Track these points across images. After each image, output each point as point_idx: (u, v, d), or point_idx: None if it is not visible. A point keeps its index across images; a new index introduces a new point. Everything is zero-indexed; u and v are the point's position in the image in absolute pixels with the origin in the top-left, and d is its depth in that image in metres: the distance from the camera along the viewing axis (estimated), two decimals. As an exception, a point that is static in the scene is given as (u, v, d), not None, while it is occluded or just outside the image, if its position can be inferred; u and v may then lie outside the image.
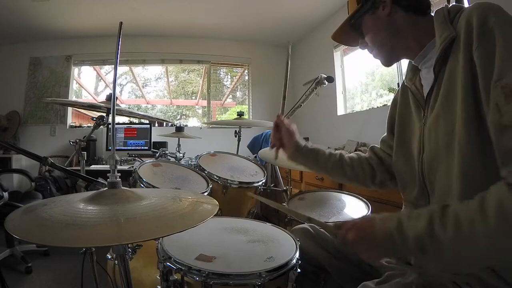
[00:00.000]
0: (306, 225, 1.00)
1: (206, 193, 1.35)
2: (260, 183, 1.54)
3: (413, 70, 0.77)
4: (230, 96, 5.14)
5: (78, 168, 1.66)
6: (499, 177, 0.50)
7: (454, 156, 0.59)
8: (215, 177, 1.45)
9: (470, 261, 0.52)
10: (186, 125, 4.10)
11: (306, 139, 3.90)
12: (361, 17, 0.76)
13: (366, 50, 0.80)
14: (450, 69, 0.61)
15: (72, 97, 3.94)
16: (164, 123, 3.92)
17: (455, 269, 0.56)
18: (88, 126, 3.96)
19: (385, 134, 0.89)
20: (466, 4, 1.58)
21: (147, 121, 3.57)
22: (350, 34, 0.81)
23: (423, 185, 0.70)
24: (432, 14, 0.69)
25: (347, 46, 3.22)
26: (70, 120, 3.90)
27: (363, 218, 0.63)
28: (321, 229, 0.86)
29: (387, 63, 0.77)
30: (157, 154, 2.20)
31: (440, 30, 0.63)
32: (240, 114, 2.08)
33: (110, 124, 0.86)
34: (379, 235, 0.57)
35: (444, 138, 0.62)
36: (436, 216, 0.52)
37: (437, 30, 0.64)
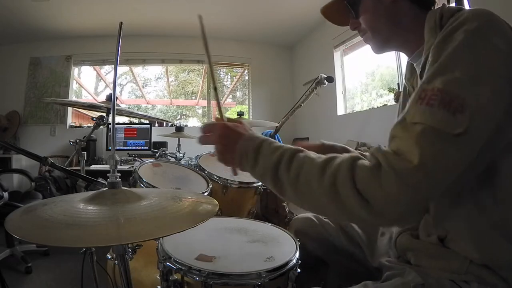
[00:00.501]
0: (308, 214, 0.99)
1: (206, 193, 1.34)
2: (260, 183, 1.54)
3: (411, 71, 0.75)
4: (230, 96, 5.15)
5: (78, 168, 1.65)
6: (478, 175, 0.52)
7: None
8: (215, 177, 1.45)
9: (304, 206, 0.56)
10: (186, 125, 4.09)
11: (306, 139, 3.88)
12: None
13: (355, 31, 0.75)
14: None
15: (72, 97, 3.94)
16: (164, 123, 3.92)
17: (296, 203, 0.59)
18: (88, 126, 3.96)
19: None
20: (466, 5, 1.58)
21: (147, 121, 3.57)
22: (342, 10, 0.75)
23: None
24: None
25: (347, 46, 3.23)
26: (70, 120, 3.90)
27: (236, 125, 0.65)
28: None
29: (378, 51, 0.74)
30: (157, 154, 2.20)
31: (428, 36, 0.60)
32: (240, 114, 2.08)
33: (110, 124, 0.86)
34: (238, 149, 0.61)
35: None
36: (285, 157, 0.56)
37: (425, 35, 0.61)
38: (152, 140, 3.44)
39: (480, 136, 0.46)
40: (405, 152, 0.46)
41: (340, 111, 3.29)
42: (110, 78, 5.48)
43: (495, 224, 0.54)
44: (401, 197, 0.45)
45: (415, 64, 0.71)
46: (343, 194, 0.48)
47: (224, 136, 0.63)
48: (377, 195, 0.46)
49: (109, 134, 3.37)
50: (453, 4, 1.44)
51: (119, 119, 3.48)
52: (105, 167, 3.13)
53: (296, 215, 1.28)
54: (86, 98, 5.23)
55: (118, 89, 6.52)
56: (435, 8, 0.65)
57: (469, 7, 1.59)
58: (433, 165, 0.44)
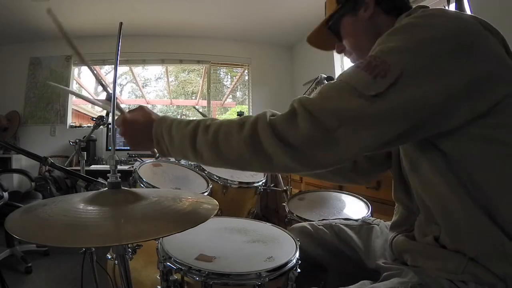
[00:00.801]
0: (305, 224, 1.00)
1: (206, 193, 1.35)
2: (260, 183, 1.55)
3: None
4: (230, 96, 5.15)
5: (78, 168, 1.66)
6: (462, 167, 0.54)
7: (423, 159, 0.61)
8: (215, 177, 1.45)
9: (228, 165, 0.58)
10: (186, 125, 4.09)
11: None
12: (340, 18, 0.73)
13: (342, 54, 0.78)
14: None
15: (72, 97, 3.94)
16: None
17: (220, 165, 0.60)
18: (88, 126, 3.96)
19: None
20: (466, 5, 1.58)
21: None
22: (326, 36, 0.78)
23: (406, 184, 0.71)
24: None
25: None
26: (70, 120, 3.90)
27: (141, 114, 0.67)
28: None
29: None
30: (157, 154, 2.20)
31: None
32: (240, 114, 2.09)
33: (110, 124, 0.86)
34: (153, 134, 0.64)
35: None
36: (202, 125, 0.58)
37: None
38: (152, 140, 3.43)
39: (400, 104, 0.48)
40: (318, 98, 0.51)
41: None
42: (110, 78, 5.49)
43: (485, 213, 0.54)
44: (316, 133, 0.48)
45: None
46: (264, 143, 0.51)
47: (128, 131, 0.67)
48: (295, 135, 0.49)
49: (109, 134, 3.37)
50: (453, 5, 1.44)
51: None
52: (105, 167, 3.13)
53: (296, 215, 1.29)
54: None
55: (118, 89, 6.52)
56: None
57: (469, 7, 1.59)
58: (342, 113, 0.48)
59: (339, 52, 0.78)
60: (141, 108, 0.69)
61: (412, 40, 0.50)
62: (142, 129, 0.66)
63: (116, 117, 0.68)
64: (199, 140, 0.57)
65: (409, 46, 0.50)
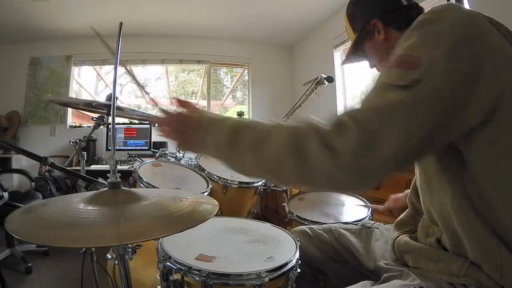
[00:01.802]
0: (305, 227, 1.01)
1: (206, 193, 1.34)
2: (260, 183, 1.54)
3: None
4: (230, 96, 5.14)
5: (78, 168, 1.65)
6: (476, 164, 0.53)
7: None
8: (215, 177, 1.45)
9: (261, 168, 0.55)
10: (186, 125, 4.09)
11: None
12: (361, 43, 0.80)
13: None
14: None
15: (72, 97, 3.94)
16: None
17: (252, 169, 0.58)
18: (88, 126, 3.96)
19: None
20: (466, 5, 1.58)
21: (147, 121, 3.56)
22: (357, 57, 0.86)
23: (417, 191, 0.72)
24: None
25: (347, 46, 3.23)
26: (70, 120, 3.90)
27: (186, 114, 0.62)
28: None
29: None
30: (157, 154, 2.20)
31: None
32: (240, 114, 2.08)
33: (110, 124, 0.86)
34: (207, 141, 0.58)
35: None
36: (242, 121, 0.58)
37: None
38: (152, 140, 3.43)
39: (433, 90, 0.48)
40: (358, 104, 0.53)
41: (340, 111, 3.29)
42: (110, 78, 5.48)
43: (484, 219, 0.54)
44: (360, 136, 0.47)
45: None
46: (309, 148, 0.50)
47: (181, 131, 0.61)
48: (341, 141, 0.48)
49: (109, 134, 3.37)
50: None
51: (119, 119, 3.48)
52: (105, 167, 3.13)
53: (296, 215, 1.29)
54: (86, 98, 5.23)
55: (118, 89, 6.52)
56: None
57: (469, 7, 1.59)
58: (385, 111, 0.48)
59: (371, 67, 0.85)
60: (187, 103, 0.65)
61: (429, 33, 0.52)
62: (187, 124, 0.61)
63: (157, 115, 0.64)
64: (240, 138, 0.55)
65: (428, 39, 0.52)
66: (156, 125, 0.64)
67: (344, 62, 0.94)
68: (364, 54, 0.83)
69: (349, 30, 0.85)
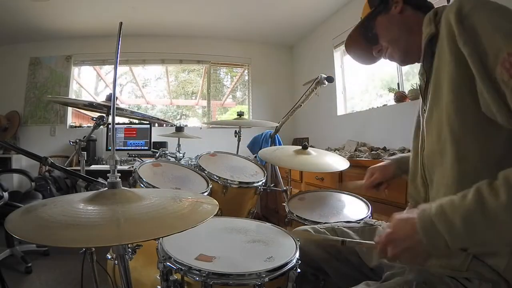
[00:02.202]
0: (307, 227, 1.01)
1: (206, 193, 1.34)
2: (260, 183, 1.54)
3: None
4: (230, 96, 5.14)
5: (78, 168, 1.66)
6: (495, 166, 0.52)
7: (446, 148, 0.61)
8: (215, 177, 1.45)
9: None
10: (186, 125, 4.10)
11: (306, 139, 3.87)
12: (374, 18, 0.79)
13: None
14: (435, 65, 0.65)
15: (72, 97, 3.94)
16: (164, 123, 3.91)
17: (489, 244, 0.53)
18: (88, 126, 3.96)
19: None
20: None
21: (147, 121, 3.57)
22: (362, 44, 0.85)
23: (423, 177, 0.72)
24: None
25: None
26: (70, 120, 3.90)
27: (397, 225, 0.58)
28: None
29: (402, 62, 0.79)
30: (157, 154, 2.20)
31: (424, 28, 0.68)
32: (240, 114, 2.08)
33: (110, 124, 0.86)
34: (419, 237, 0.53)
35: (436, 130, 0.64)
36: (484, 187, 0.50)
37: (423, 32, 0.69)
38: (152, 140, 3.43)
39: None
40: None
41: (340, 111, 3.28)
42: (110, 78, 5.48)
43: None
44: None
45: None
46: None
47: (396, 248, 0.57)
48: None
49: (109, 134, 3.37)
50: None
51: (119, 119, 3.48)
52: (105, 167, 3.13)
53: (296, 215, 1.29)
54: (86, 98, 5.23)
55: (118, 89, 6.52)
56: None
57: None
58: None
59: (377, 54, 0.82)
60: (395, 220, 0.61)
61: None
62: (404, 238, 0.56)
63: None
64: (490, 206, 0.49)
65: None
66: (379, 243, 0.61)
67: (347, 45, 0.91)
68: (372, 35, 0.81)
69: (365, 6, 0.83)
